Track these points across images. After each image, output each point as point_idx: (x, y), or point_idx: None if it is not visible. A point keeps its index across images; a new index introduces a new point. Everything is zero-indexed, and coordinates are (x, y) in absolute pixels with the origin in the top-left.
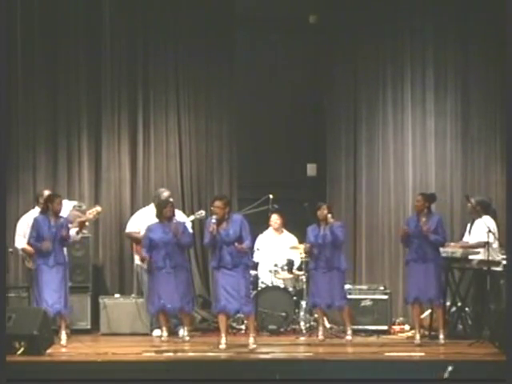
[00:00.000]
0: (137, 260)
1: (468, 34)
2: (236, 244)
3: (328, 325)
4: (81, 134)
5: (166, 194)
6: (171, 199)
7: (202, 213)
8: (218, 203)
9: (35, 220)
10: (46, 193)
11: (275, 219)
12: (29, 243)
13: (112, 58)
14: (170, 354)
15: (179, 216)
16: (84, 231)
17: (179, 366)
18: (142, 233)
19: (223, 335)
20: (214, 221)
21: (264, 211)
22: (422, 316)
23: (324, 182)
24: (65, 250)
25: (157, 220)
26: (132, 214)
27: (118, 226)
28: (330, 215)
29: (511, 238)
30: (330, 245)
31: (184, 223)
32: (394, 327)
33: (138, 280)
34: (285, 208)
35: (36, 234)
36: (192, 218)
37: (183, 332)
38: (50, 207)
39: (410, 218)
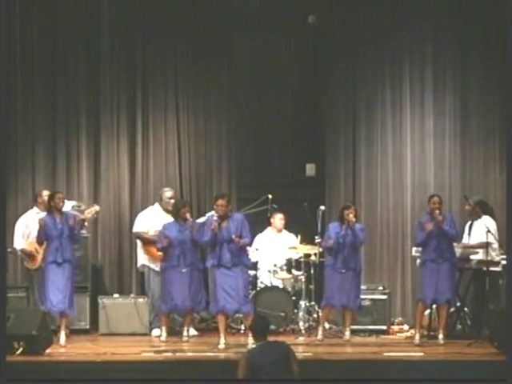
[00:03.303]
0: (143, 260)
1: (467, 34)
2: (234, 236)
3: (327, 325)
4: (80, 134)
5: (168, 193)
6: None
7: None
8: (220, 201)
9: (41, 220)
10: (45, 193)
11: (279, 219)
12: (38, 242)
13: (111, 59)
14: (169, 354)
15: None
16: (83, 231)
17: (178, 365)
18: (151, 233)
19: (222, 335)
20: (215, 219)
21: (263, 211)
22: None
23: (323, 182)
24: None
25: (168, 219)
26: (131, 214)
27: (117, 226)
28: (351, 215)
29: (511, 238)
30: (348, 245)
31: (199, 222)
32: (392, 327)
33: (142, 280)
34: (284, 208)
35: (44, 234)
36: (203, 219)
37: (185, 332)
38: (52, 205)
39: (424, 221)
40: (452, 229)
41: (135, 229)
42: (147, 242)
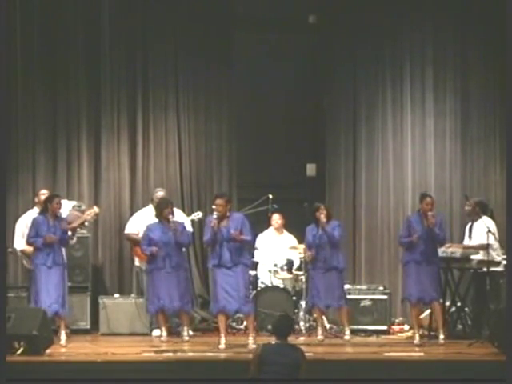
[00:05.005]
0: (136, 261)
1: (467, 34)
2: (232, 231)
3: (327, 325)
4: (80, 134)
5: (160, 193)
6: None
7: (199, 214)
8: (218, 201)
9: (34, 220)
10: (42, 191)
11: (276, 219)
12: (28, 242)
13: (111, 59)
14: (170, 354)
15: (179, 216)
16: (83, 231)
17: (179, 365)
18: (141, 234)
19: (223, 335)
20: (215, 217)
21: (263, 211)
22: (422, 316)
23: (323, 183)
24: (63, 250)
25: (156, 220)
26: (131, 214)
27: (118, 226)
28: (322, 215)
29: (511, 238)
30: (327, 244)
31: (183, 223)
32: (393, 327)
33: (137, 280)
34: (284, 208)
35: (35, 234)
36: (189, 219)
37: (185, 332)
38: (48, 207)
39: (414, 221)
40: (441, 232)
41: (126, 230)
42: (137, 244)
